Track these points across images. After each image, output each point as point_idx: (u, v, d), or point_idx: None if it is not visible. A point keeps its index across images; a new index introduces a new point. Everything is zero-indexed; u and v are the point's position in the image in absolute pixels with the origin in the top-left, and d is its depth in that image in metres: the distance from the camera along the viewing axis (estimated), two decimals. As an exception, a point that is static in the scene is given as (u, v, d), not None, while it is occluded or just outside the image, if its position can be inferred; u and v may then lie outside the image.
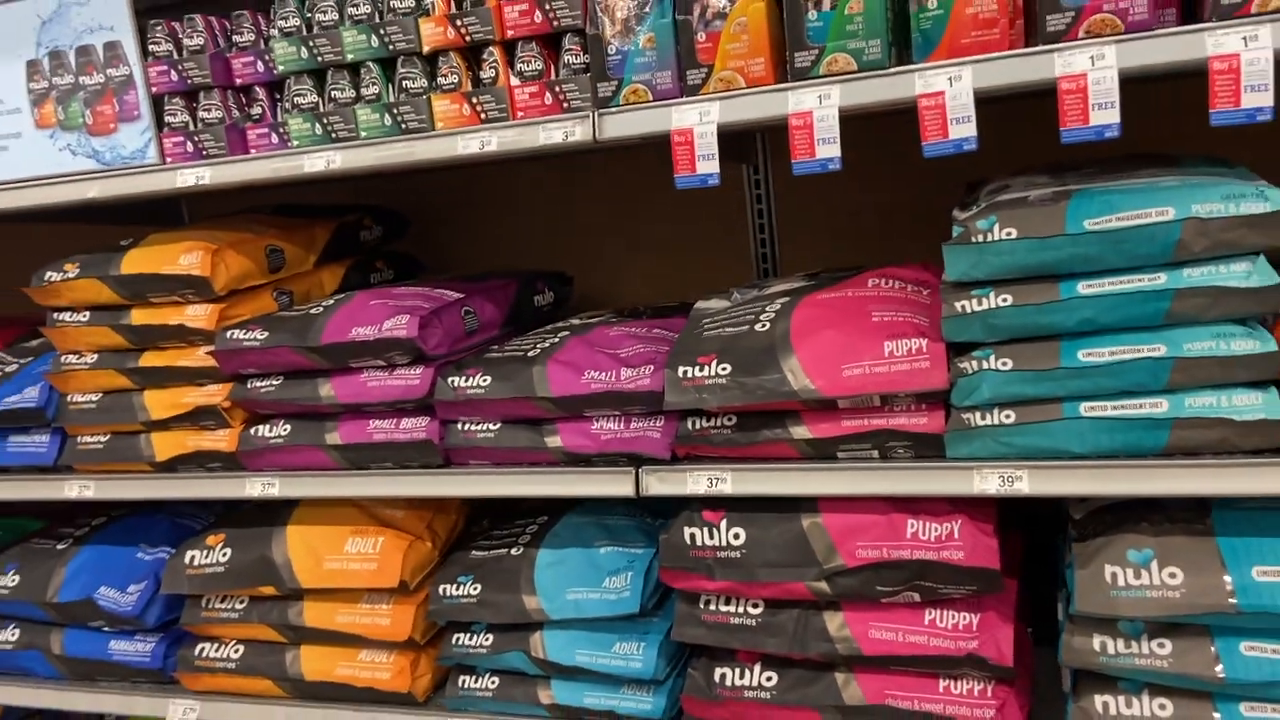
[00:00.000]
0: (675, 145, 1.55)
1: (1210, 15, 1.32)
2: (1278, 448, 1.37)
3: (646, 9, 1.57)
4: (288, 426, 1.94)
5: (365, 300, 1.96)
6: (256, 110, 1.88)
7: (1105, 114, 1.33)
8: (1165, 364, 1.38)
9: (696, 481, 1.67)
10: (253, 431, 1.97)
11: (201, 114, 1.88)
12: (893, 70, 1.46)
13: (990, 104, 1.42)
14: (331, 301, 2.01)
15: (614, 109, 1.61)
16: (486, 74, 1.70)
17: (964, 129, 1.40)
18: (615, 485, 1.72)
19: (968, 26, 1.41)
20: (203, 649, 2.10)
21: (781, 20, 1.51)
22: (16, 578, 2.25)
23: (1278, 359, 1.35)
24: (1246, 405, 1.37)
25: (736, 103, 1.54)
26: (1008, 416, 1.48)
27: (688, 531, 1.70)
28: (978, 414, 1.50)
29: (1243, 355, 1.36)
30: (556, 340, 1.89)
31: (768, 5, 1.51)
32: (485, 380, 1.78)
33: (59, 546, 2.31)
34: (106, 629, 2.19)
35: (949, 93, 1.40)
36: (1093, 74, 1.33)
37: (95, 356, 2.07)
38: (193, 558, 2.08)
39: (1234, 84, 1.28)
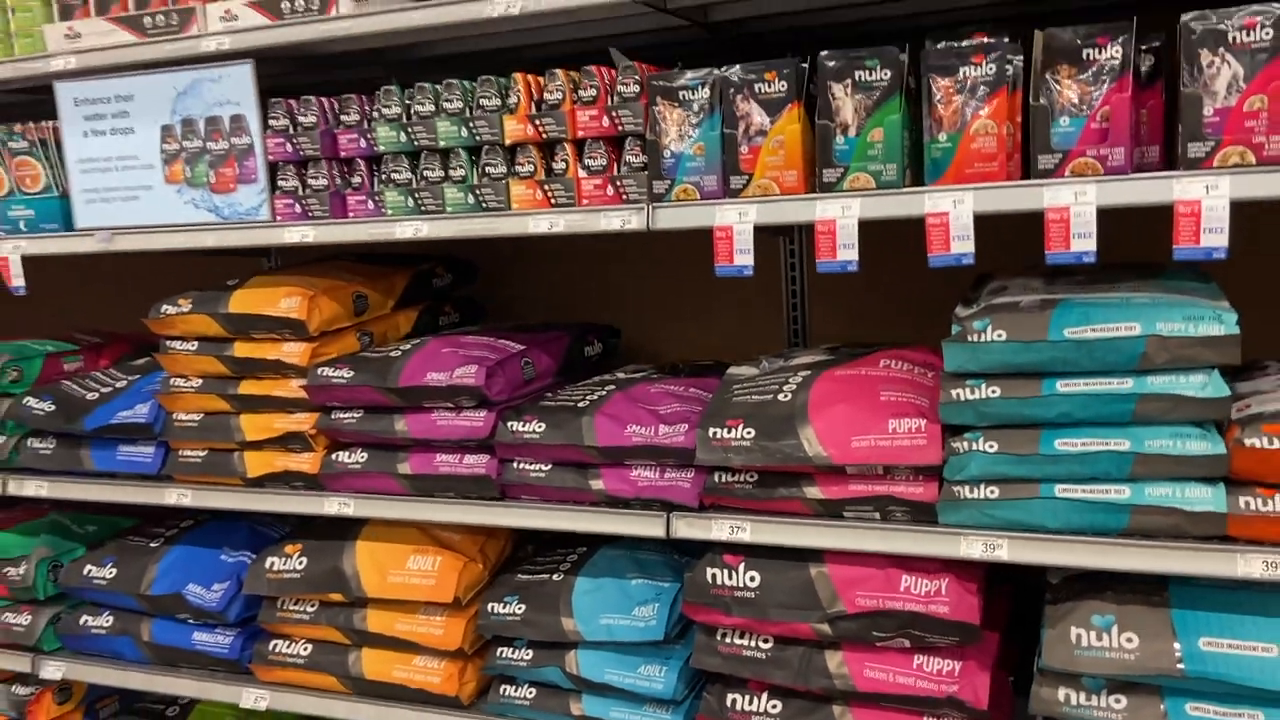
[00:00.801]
0: (717, 239, 1.81)
1: (1180, 165, 1.55)
2: (1223, 535, 1.58)
3: (698, 122, 1.82)
4: (365, 454, 2.21)
5: (438, 347, 2.23)
6: (357, 179, 2.17)
7: (1084, 242, 1.57)
8: (1128, 457, 1.60)
9: (720, 529, 1.91)
10: (334, 457, 2.24)
11: (310, 180, 2.17)
12: (906, 190, 1.70)
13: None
14: (408, 346, 2.28)
15: (666, 204, 1.87)
16: (558, 165, 1.97)
17: (964, 245, 1.64)
18: (648, 527, 1.97)
19: (972, 158, 1.65)
20: (276, 645, 2.37)
21: (814, 141, 1.76)
22: (114, 570, 2.53)
23: (1226, 461, 1.57)
24: (1197, 498, 1.58)
25: (771, 207, 1.79)
26: (992, 492, 1.70)
27: (710, 572, 1.93)
28: (966, 488, 1.72)
29: (1196, 455, 1.57)
30: (604, 393, 2.15)
31: (803, 127, 1.76)
32: (540, 427, 2.04)
33: (152, 545, 2.60)
34: (191, 621, 2.46)
35: (952, 214, 1.64)
36: (1075, 207, 1.57)
37: (200, 381, 2.36)
38: (272, 563, 2.35)
39: (1195, 225, 1.51)
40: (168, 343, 2.38)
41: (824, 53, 1.72)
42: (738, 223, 1.80)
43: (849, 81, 1.70)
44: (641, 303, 2.79)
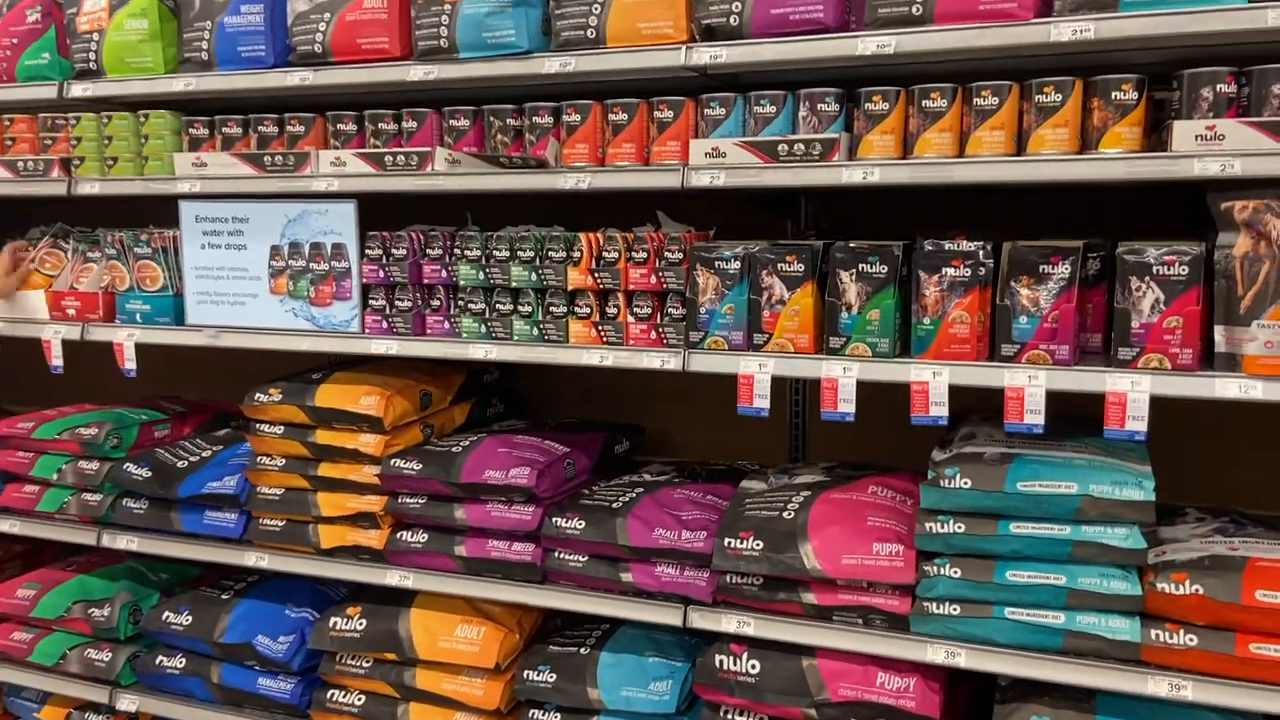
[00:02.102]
0: (740, 385, 2.20)
1: (1112, 363, 1.94)
2: (1138, 660, 1.96)
3: (730, 287, 2.22)
4: (425, 535, 2.59)
5: (494, 446, 2.61)
6: (436, 302, 2.56)
7: (1035, 417, 1.96)
8: (1064, 591, 1.99)
9: (729, 622, 2.28)
10: (398, 535, 2.61)
11: (396, 302, 2.57)
12: (896, 360, 2.10)
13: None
14: (467, 442, 2.66)
15: (699, 351, 2.27)
16: (611, 310, 2.37)
17: (940, 409, 2.03)
18: (668, 616, 2.34)
19: (949, 340, 2.05)
20: (333, 694, 2.72)
21: (824, 312, 2.16)
22: (189, 618, 2.89)
23: (1142, 600, 1.95)
24: (1117, 628, 1.96)
25: (786, 362, 2.18)
26: (954, 609, 2.08)
27: (718, 658, 2.30)
28: (934, 604, 2.10)
29: (1117, 594, 1.96)
30: (634, 495, 2.53)
31: (815, 301, 2.17)
32: (580, 525, 2.42)
33: (223, 596, 2.95)
34: (257, 668, 2.82)
35: (932, 384, 2.03)
36: (1029, 389, 1.96)
37: (284, 461, 2.73)
38: (335, 623, 2.71)
39: (1122, 413, 1.90)
40: (257, 425, 2.76)
41: (836, 244, 2.13)
42: (758, 373, 2.19)
43: (854, 271, 2.10)
44: (668, 408, 3.16)
